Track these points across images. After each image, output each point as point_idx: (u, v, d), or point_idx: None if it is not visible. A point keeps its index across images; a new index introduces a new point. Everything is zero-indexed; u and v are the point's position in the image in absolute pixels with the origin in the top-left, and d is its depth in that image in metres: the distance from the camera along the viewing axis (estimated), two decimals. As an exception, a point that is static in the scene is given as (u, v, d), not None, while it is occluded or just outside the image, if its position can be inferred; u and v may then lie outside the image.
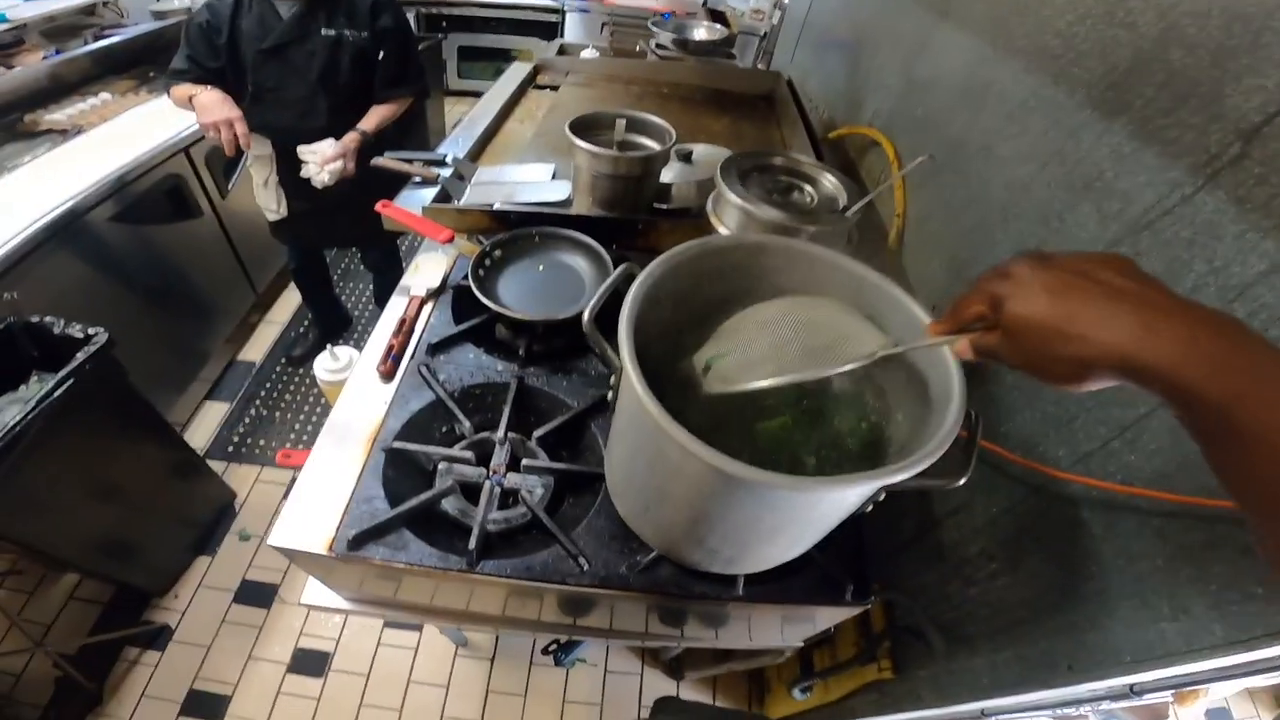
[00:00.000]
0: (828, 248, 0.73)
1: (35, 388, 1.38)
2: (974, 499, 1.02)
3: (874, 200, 1.47)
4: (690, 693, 2.01)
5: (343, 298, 3.00)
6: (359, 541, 0.84)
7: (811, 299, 0.67)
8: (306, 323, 2.93)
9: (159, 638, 1.96)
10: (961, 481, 0.61)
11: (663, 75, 2.16)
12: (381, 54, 1.89)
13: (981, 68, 1.12)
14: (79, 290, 1.92)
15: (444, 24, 4.63)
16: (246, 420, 2.56)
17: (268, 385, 2.69)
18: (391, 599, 1.05)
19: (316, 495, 0.89)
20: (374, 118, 1.94)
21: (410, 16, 4.52)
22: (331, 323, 2.84)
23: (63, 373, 1.35)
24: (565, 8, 4.40)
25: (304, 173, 1.87)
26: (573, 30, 4.47)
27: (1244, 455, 0.35)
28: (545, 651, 1.99)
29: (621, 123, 1.27)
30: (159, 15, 3.01)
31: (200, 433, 2.50)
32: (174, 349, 2.43)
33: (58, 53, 2.55)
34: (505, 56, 4.59)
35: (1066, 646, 0.81)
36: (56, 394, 1.33)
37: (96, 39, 2.70)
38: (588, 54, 2.42)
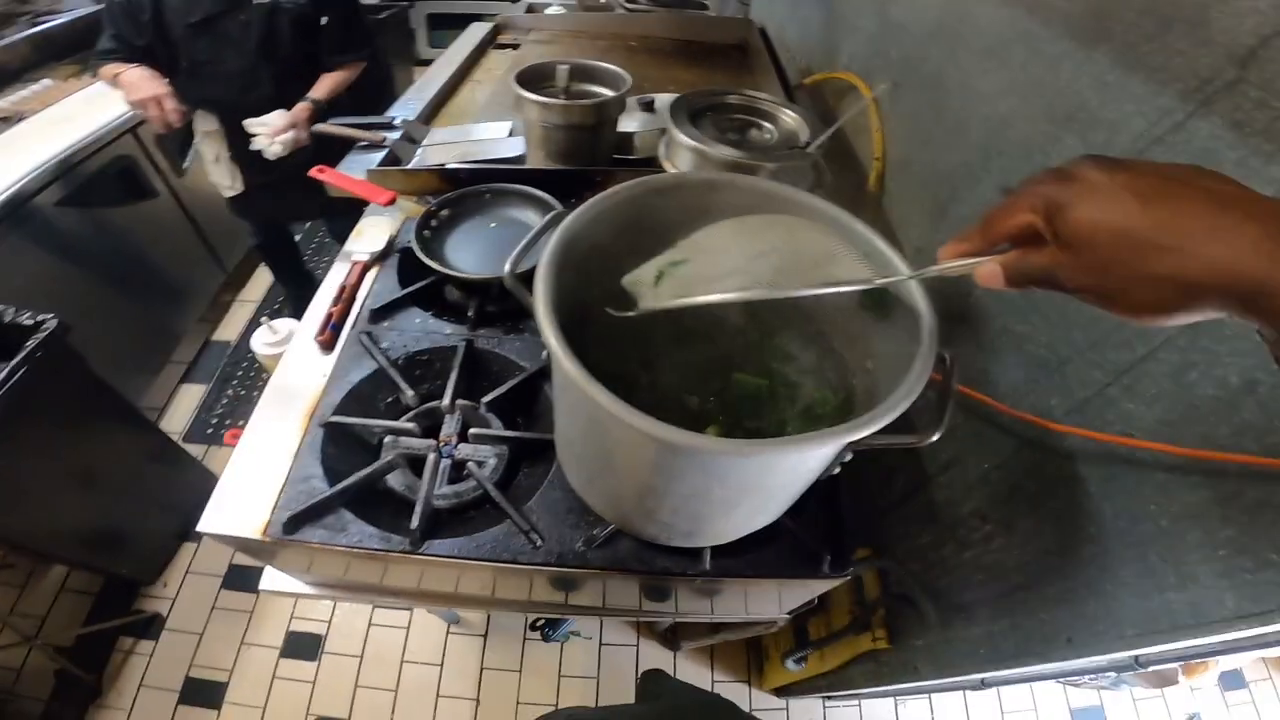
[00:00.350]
0: (784, 183, 0.66)
1: None
2: (964, 454, 0.97)
3: (853, 146, 1.42)
4: (687, 663, 2.00)
5: (318, 271, 2.90)
6: (295, 524, 0.78)
7: (794, 219, 0.59)
8: (281, 300, 2.84)
9: (151, 626, 1.96)
10: (935, 437, 0.54)
11: (631, 28, 2.08)
12: (325, 19, 1.79)
13: (956, 3, 1.05)
14: (32, 277, 1.85)
15: (412, -9, 4.47)
16: (224, 401, 2.50)
17: (244, 365, 2.62)
18: (347, 581, 0.99)
19: (251, 476, 0.84)
20: (324, 85, 1.85)
21: None
22: (305, 296, 2.73)
23: (14, 361, 1.29)
24: (533, -35, 4.25)
25: (254, 145, 1.77)
26: (545, -11, 4.34)
27: None
28: (534, 628, 1.97)
29: (564, 69, 1.20)
30: (96, -1, 2.89)
31: (178, 416, 2.46)
32: (142, 333, 2.37)
33: (-7, 40, 2.44)
34: (478, 20, 4.45)
35: (1066, 617, 0.77)
36: (9, 383, 1.27)
37: (33, 25, 2.58)
38: (553, 10, 2.32)
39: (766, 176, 0.82)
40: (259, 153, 1.80)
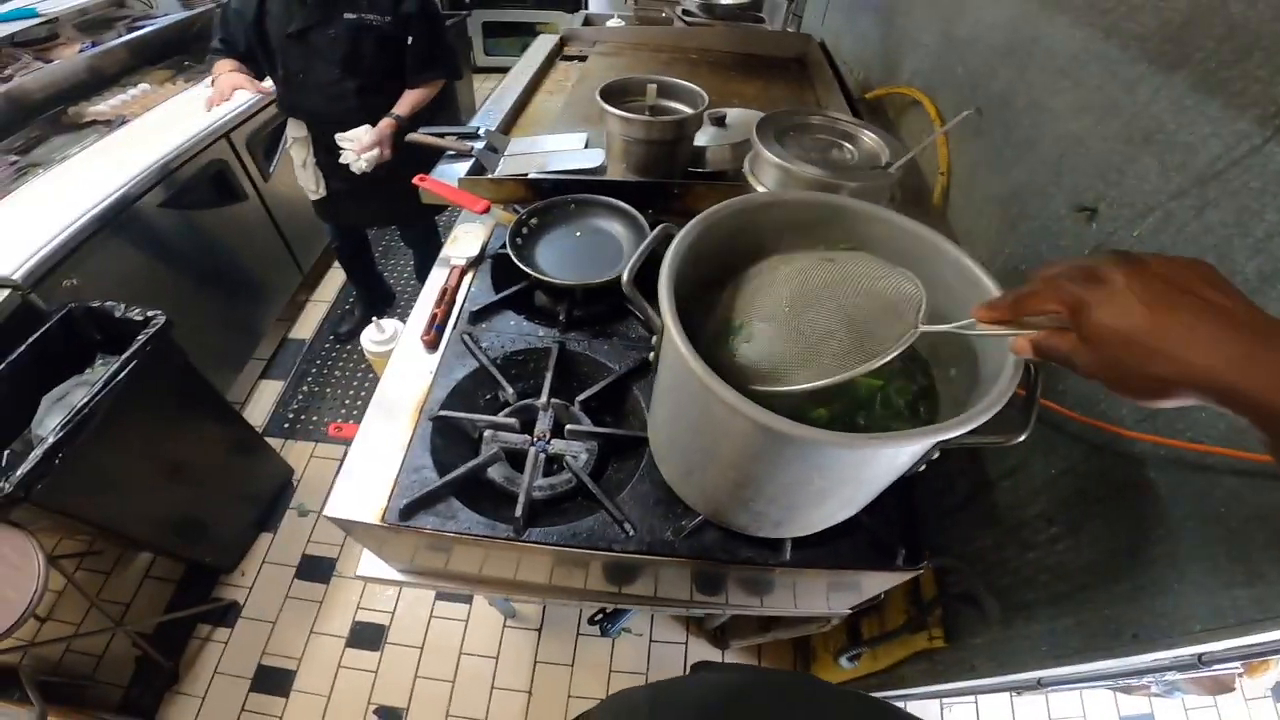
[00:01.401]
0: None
1: (100, 370, 1.43)
2: (1031, 459, 0.99)
3: (916, 159, 1.45)
4: (735, 659, 2.03)
5: (386, 274, 3.03)
6: (409, 511, 0.85)
7: (837, 254, 0.65)
8: (352, 300, 2.99)
9: (229, 614, 2.04)
10: (1022, 438, 0.59)
11: (690, 41, 2.13)
12: (410, 39, 1.88)
13: (1025, 23, 1.08)
14: (135, 275, 1.98)
15: (467, 1, 4.60)
16: (300, 397, 2.63)
17: (318, 362, 2.76)
18: (442, 569, 1.06)
19: (368, 467, 0.90)
20: (407, 102, 1.95)
21: None
22: (375, 298, 2.88)
23: (126, 354, 1.39)
24: (588, -22, 4.34)
25: (342, 159, 1.89)
26: (596, 1, 4.41)
27: None
28: (592, 621, 2.01)
29: (653, 88, 1.26)
30: (187, 3, 3.06)
31: (258, 411, 2.58)
32: (228, 329, 2.50)
33: (93, 45, 2.59)
34: (530, 30, 4.54)
35: (1132, 613, 0.79)
36: (121, 376, 1.37)
37: (130, 30, 2.75)
38: (614, 23, 2.38)
39: (848, 194, 0.86)
40: (343, 161, 1.91)
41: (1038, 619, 0.98)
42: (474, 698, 1.92)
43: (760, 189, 1.01)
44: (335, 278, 3.14)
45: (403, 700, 1.91)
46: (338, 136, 1.85)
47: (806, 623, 1.53)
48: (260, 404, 2.62)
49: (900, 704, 1.86)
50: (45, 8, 2.61)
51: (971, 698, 1.94)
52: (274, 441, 2.38)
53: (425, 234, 2.59)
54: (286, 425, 2.53)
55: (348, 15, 1.80)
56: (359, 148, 1.84)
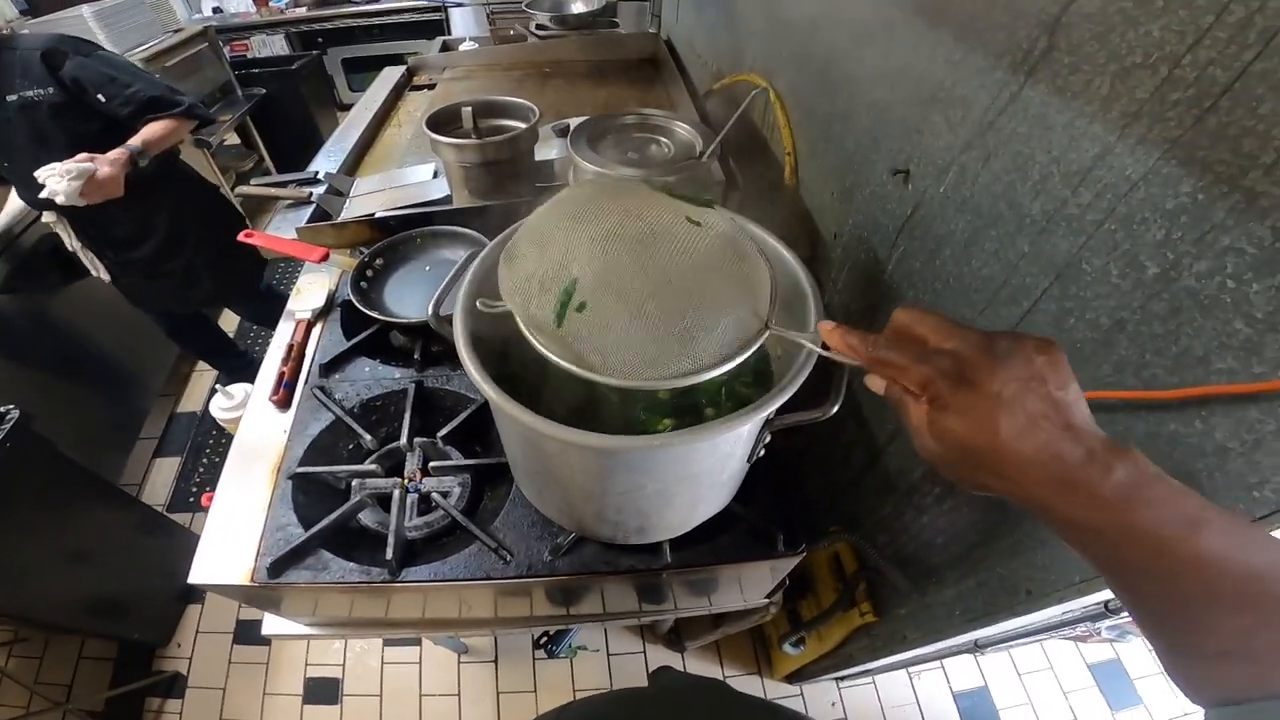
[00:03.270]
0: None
1: None
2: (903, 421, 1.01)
3: (768, 143, 1.48)
4: (695, 662, 2.04)
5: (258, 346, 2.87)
6: (278, 568, 0.84)
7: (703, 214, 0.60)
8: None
9: (175, 685, 2.02)
10: (834, 409, 0.59)
11: (544, 55, 2.12)
12: (101, 98, 1.69)
13: (826, -3, 1.10)
14: None
15: (320, 40, 4.53)
16: (201, 469, 2.52)
17: (214, 432, 2.62)
18: (349, 618, 1.05)
19: (230, 529, 0.90)
20: (143, 133, 1.73)
21: (278, 38, 4.43)
22: (236, 369, 2.64)
23: None
24: (445, 3, 4.29)
25: (44, 193, 1.57)
26: (461, 25, 4.39)
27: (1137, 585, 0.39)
28: (537, 645, 2.00)
29: (467, 110, 1.23)
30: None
31: (158, 488, 2.49)
32: (104, 413, 2.38)
33: None
34: (396, 61, 4.49)
35: (1021, 569, 0.80)
36: None
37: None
38: (466, 47, 2.36)
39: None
40: (112, 238, 1.81)
41: (946, 582, 0.99)
42: (446, 737, 1.89)
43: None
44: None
45: (375, 750, 1.87)
46: (37, 172, 1.57)
47: (749, 615, 1.53)
48: (159, 482, 2.52)
49: (867, 680, 1.89)
50: None
51: (936, 662, 1.99)
52: (181, 516, 2.32)
53: (265, 304, 2.36)
54: (191, 499, 2.43)
55: (9, 98, 1.63)
56: (61, 170, 1.55)
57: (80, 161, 1.58)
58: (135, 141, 1.71)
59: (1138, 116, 0.55)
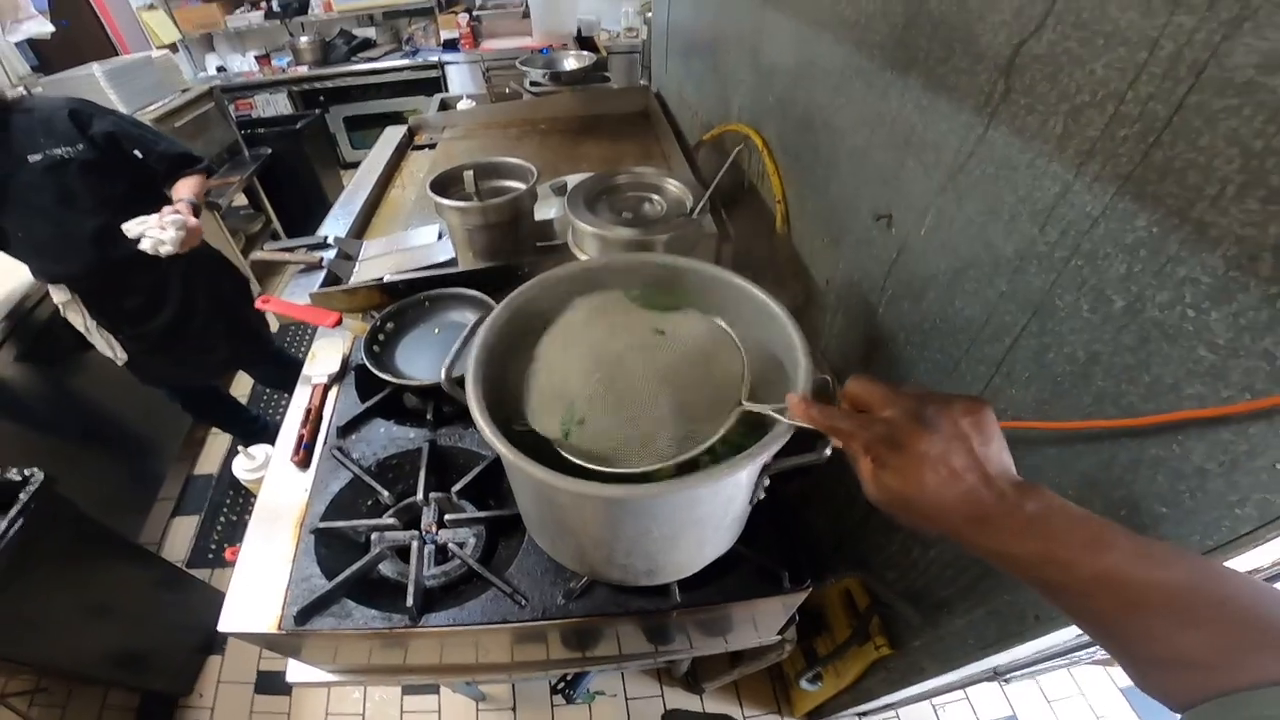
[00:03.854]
0: (680, 249, 0.76)
1: None
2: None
3: (759, 192, 1.52)
4: (714, 702, 2.01)
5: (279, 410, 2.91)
6: (304, 616, 0.88)
7: (669, 319, 0.70)
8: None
9: None
10: (828, 451, 0.61)
11: (540, 112, 2.20)
12: (137, 152, 1.69)
13: (804, 46, 1.15)
14: (8, 434, 1.92)
15: (321, 98, 4.64)
16: (220, 528, 2.55)
17: (231, 492, 2.66)
18: (369, 665, 1.08)
19: (257, 581, 0.94)
20: (185, 188, 1.70)
21: (280, 97, 4.58)
22: (254, 435, 2.60)
23: (11, 514, 1.42)
24: (442, 61, 4.43)
25: (142, 245, 1.53)
26: (458, 82, 4.51)
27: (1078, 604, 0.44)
28: (555, 691, 1.98)
29: (469, 174, 1.28)
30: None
31: (177, 546, 2.52)
32: (124, 474, 2.42)
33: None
34: (396, 119, 4.62)
35: (1027, 595, 0.81)
36: (11, 532, 1.40)
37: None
38: (464, 105, 2.44)
39: (661, 246, 0.91)
40: (127, 311, 1.80)
41: (956, 613, 1.00)
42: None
43: (583, 257, 1.05)
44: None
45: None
46: (126, 226, 1.52)
47: (762, 654, 1.53)
48: (178, 540, 2.55)
49: (890, 713, 1.86)
50: None
51: (960, 693, 1.96)
52: (201, 572, 2.35)
53: (280, 369, 2.37)
54: (210, 555, 2.47)
55: (32, 158, 1.58)
56: (156, 222, 1.52)
57: (171, 213, 1.55)
58: (187, 194, 1.67)
59: (1091, 154, 0.58)
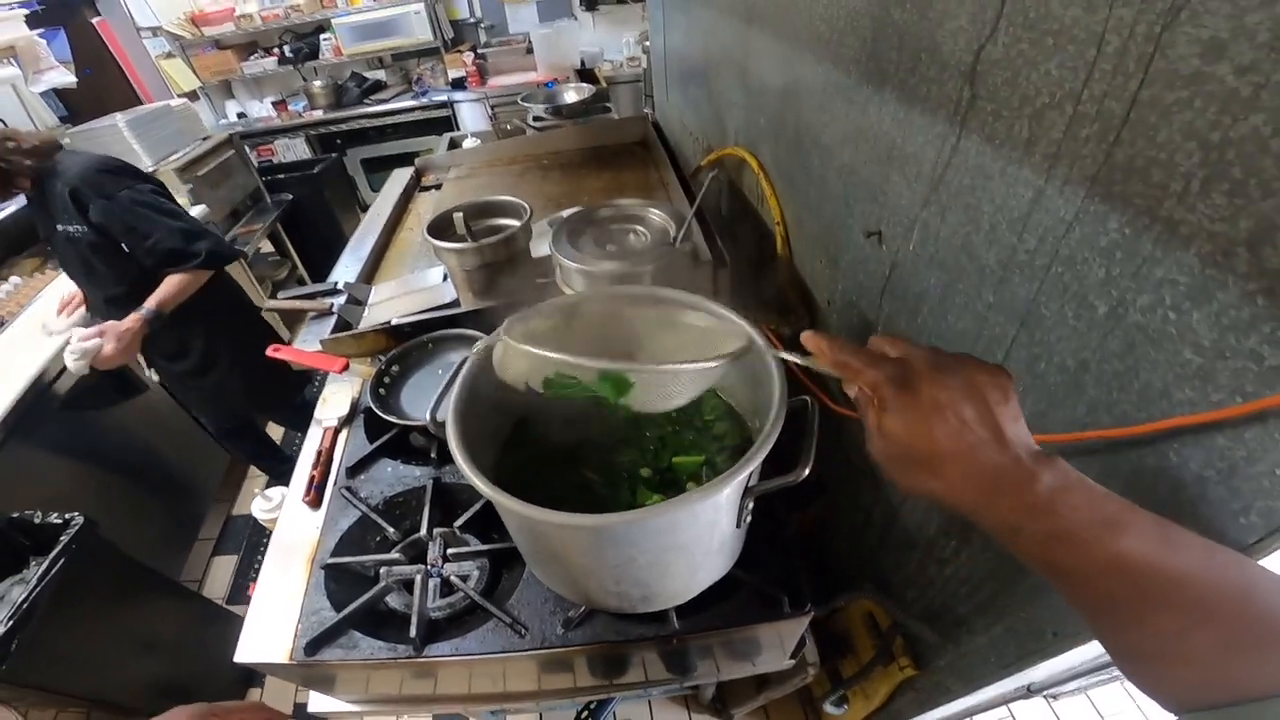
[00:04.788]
0: (665, 280, 0.77)
1: (35, 570, 1.51)
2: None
3: (759, 213, 1.52)
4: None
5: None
6: (314, 647, 0.91)
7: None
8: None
9: None
10: (805, 472, 0.60)
11: (542, 147, 2.23)
12: (125, 247, 1.75)
13: (788, 66, 1.16)
14: (51, 478, 2.00)
15: (338, 141, 4.71)
16: (256, 566, 2.60)
17: (268, 533, 2.69)
18: (396, 694, 1.11)
19: (271, 614, 0.98)
20: (156, 295, 1.77)
21: (299, 142, 4.62)
22: (285, 476, 2.69)
23: (51, 555, 1.50)
24: (451, 100, 4.52)
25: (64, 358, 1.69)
26: (470, 120, 4.59)
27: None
28: (578, 720, 1.96)
29: (459, 216, 1.29)
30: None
31: (217, 584, 2.60)
32: (165, 516, 2.49)
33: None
34: (410, 160, 4.72)
35: (1043, 612, 0.79)
36: (53, 573, 1.47)
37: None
38: (469, 144, 2.49)
39: (646, 277, 0.92)
40: (159, 348, 1.92)
41: (976, 631, 0.98)
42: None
43: (569, 293, 1.05)
44: (270, 453, 3.11)
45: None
46: (58, 334, 1.71)
47: (787, 677, 1.50)
48: (218, 578, 2.63)
49: None
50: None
51: (1000, 711, 1.89)
52: (240, 608, 2.37)
53: (302, 413, 2.42)
54: (249, 593, 2.48)
55: (59, 227, 1.70)
56: (73, 347, 1.64)
57: (87, 340, 1.66)
58: (150, 304, 1.74)
59: (1057, 157, 0.57)
